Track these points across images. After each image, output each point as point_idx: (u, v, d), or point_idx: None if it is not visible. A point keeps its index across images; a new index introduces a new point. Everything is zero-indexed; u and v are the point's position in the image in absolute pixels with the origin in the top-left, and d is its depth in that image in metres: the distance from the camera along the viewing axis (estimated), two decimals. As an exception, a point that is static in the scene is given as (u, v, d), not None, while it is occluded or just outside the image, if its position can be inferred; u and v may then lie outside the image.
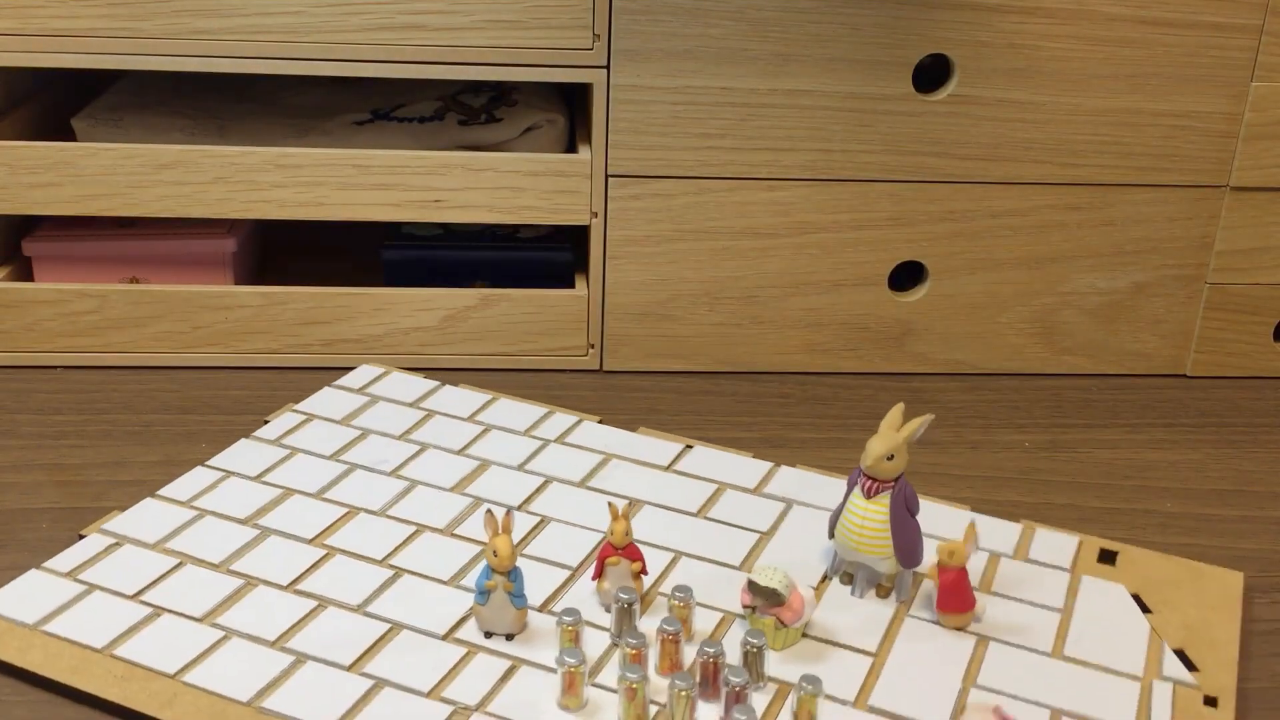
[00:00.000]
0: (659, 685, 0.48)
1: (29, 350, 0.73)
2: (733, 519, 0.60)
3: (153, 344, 0.73)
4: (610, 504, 0.52)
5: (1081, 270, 0.76)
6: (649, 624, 0.52)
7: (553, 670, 0.49)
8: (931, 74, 0.71)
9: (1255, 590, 0.58)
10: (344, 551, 0.56)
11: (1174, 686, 0.50)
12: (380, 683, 0.48)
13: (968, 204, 0.74)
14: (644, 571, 0.52)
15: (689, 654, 0.50)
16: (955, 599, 0.51)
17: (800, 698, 0.46)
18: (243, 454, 0.63)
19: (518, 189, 0.71)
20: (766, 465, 0.64)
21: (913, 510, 0.52)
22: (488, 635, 0.51)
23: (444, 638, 0.51)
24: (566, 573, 0.55)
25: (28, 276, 0.75)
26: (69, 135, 0.75)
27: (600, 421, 0.68)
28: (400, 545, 0.56)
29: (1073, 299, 0.76)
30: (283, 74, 0.69)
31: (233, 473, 0.61)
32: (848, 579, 0.55)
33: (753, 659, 0.48)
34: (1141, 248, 0.76)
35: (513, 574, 0.49)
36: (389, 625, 0.51)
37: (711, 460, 0.65)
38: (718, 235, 0.73)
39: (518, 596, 0.50)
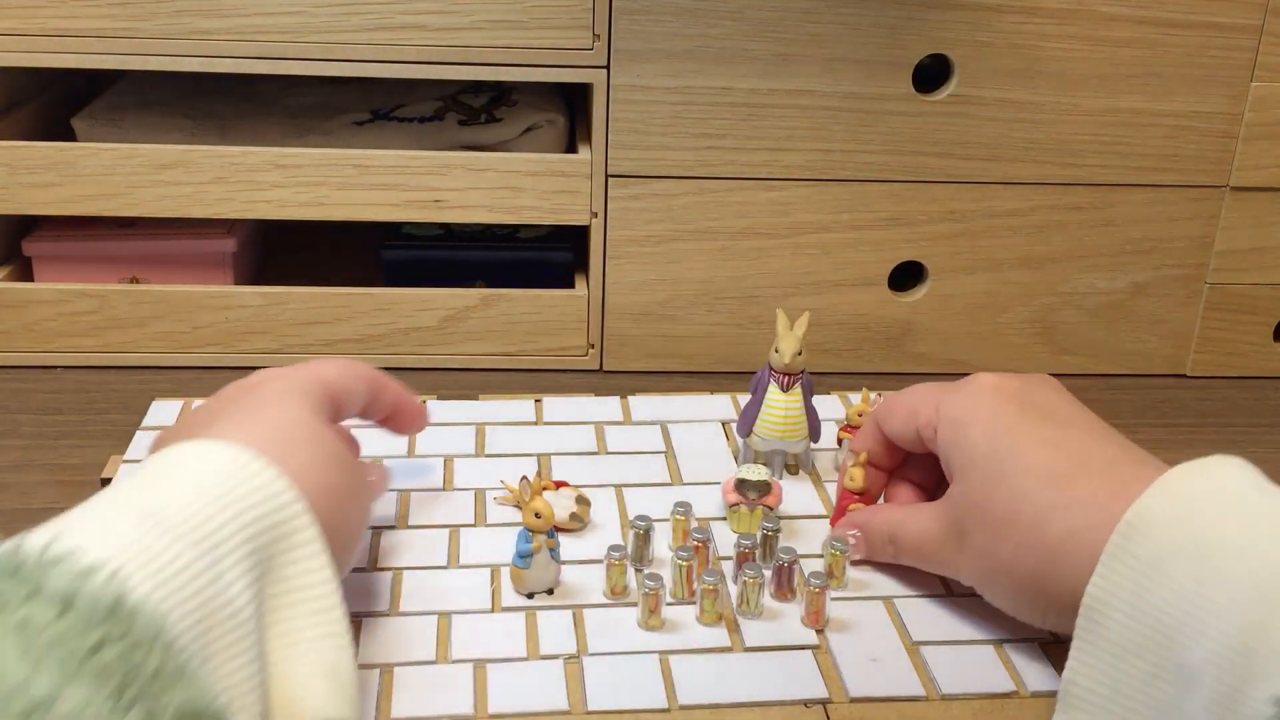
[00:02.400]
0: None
1: (29, 350, 0.73)
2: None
3: (153, 344, 0.73)
4: (524, 478, 0.53)
5: (1081, 270, 0.76)
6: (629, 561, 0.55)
7: (605, 606, 0.52)
8: (931, 74, 0.71)
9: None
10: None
11: None
12: (479, 662, 0.49)
13: (968, 204, 0.74)
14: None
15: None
16: None
17: (832, 554, 0.54)
18: None
19: (518, 189, 0.71)
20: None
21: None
22: (530, 596, 0.53)
23: (493, 611, 0.52)
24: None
25: (28, 276, 0.75)
26: (69, 135, 0.75)
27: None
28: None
29: (1073, 299, 0.76)
30: (283, 74, 0.69)
31: None
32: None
33: (769, 541, 0.56)
34: (1141, 248, 0.76)
35: (550, 531, 0.53)
36: (436, 614, 0.52)
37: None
38: (718, 235, 0.73)
39: (558, 551, 0.53)
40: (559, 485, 0.60)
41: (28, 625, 0.32)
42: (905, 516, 0.54)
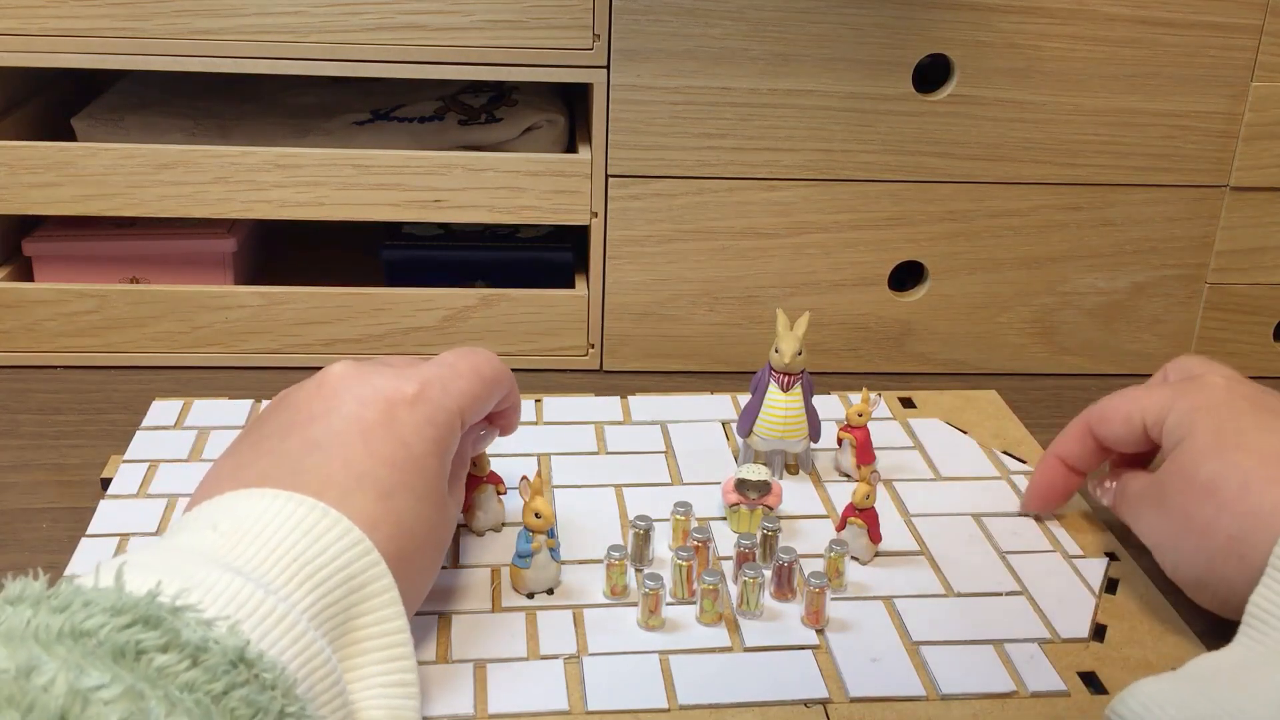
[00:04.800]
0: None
1: (29, 350, 0.73)
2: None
3: (153, 344, 0.73)
4: (524, 478, 0.54)
5: (1081, 270, 0.76)
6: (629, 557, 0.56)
7: (605, 605, 0.52)
8: (931, 74, 0.71)
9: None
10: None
11: (1024, 477, 0.64)
12: (479, 662, 0.49)
13: (968, 204, 0.74)
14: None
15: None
16: (868, 452, 0.63)
17: (830, 558, 0.54)
18: (119, 515, 0.58)
19: (518, 189, 0.71)
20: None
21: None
22: (530, 596, 0.53)
23: (493, 611, 0.52)
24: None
25: (28, 276, 0.75)
26: (69, 135, 0.75)
27: None
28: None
29: (1073, 299, 0.76)
30: (283, 74, 0.69)
31: (127, 534, 0.56)
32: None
33: (769, 541, 0.56)
34: (1141, 248, 0.76)
35: (550, 531, 0.52)
36: (436, 614, 0.52)
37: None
38: (718, 235, 0.73)
39: (558, 551, 0.53)
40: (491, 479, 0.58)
41: (164, 672, 0.34)
42: (1134, 475, 0.56)
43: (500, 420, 0.56)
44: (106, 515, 0.58)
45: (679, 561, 0.53)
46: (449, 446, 0.49)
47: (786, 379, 0.61)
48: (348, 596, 0.42)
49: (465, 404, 0.50)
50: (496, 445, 0.65)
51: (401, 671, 0.43)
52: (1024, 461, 0.66)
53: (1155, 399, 0.54)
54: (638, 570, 0.55)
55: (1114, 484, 0.57)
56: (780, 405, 0.62)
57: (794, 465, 0.64)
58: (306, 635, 0.39)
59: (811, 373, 0.63)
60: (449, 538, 0.50)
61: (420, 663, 0.49)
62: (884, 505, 0.60)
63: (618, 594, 0.53)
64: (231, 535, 0.42)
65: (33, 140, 0.70)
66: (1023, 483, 0.64)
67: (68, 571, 0.53)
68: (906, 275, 0.76)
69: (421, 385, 0.49)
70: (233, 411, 0.67)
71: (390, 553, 0.44)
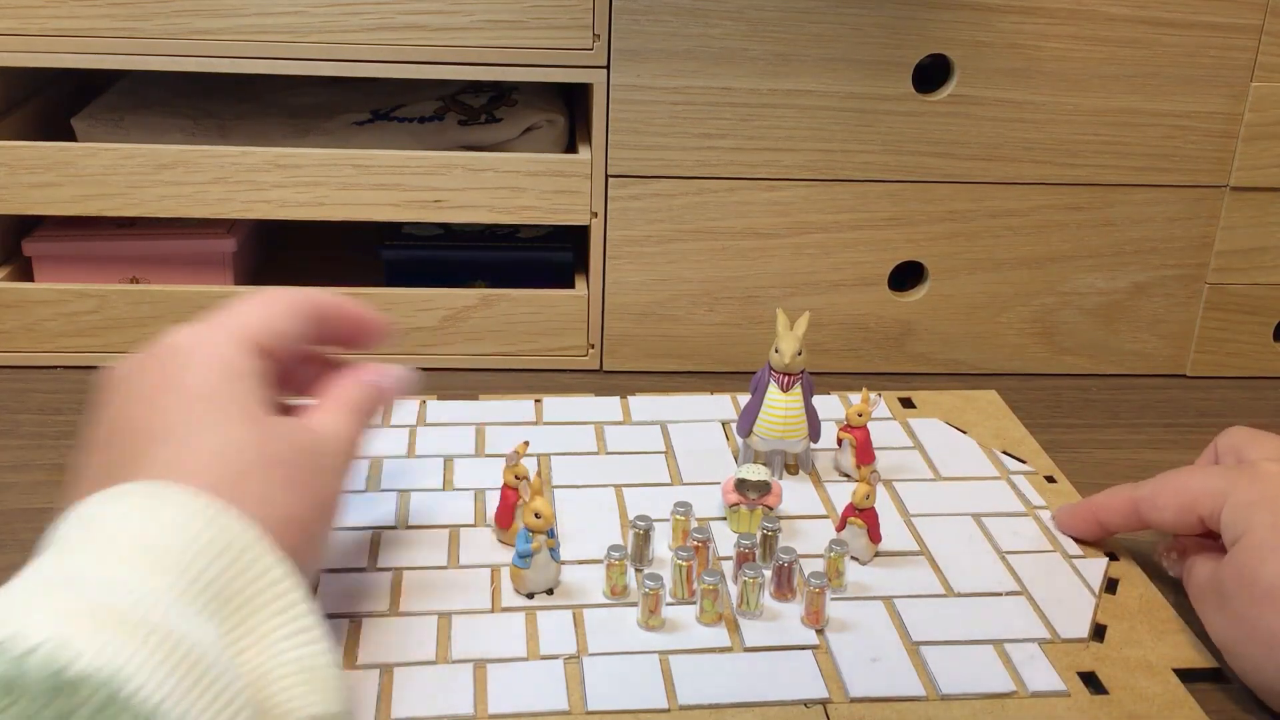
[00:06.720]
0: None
1: (29, 350, 0.73)
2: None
3: (153, 344, 0.73)
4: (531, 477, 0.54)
5: (1081, 270, 0.76)
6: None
7: (605, 605, 0.52)
8: (931, 74, 0.71)
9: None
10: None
11: (1024, 477, 0.64)
12: (479, 662, 0.49)
13: (968, 204, 0.74)
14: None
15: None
16: (868, 452, 0.63)
17: (830, 558, 0.54)
18: None
19: (518, 189, 0.71)
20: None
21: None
22: (530, 596, 0.53)
23: (493, 611, 0.52)
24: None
25: (28, 276, 0.75)
26: (69, 135, 0.75)
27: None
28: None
29: (1073, 299, 0.76)
30: (283, 74, 0.69)
31: None
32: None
33: (769, 541, 0.56)
34: (1141, 248, 0.76)
35: (550, 531, 0.52)
36: (436, 614, 0.52)
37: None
38: (718, 235, 0.73)
39: (558, 551, 0.53)
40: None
41: None
42: (1200, 560, 0.54)
43: (355, 340, 0.53)
44: None
45: (679, 561, 0.53)
46: (228, 361, 0.46)
47: (786, 379, 0.61)
48: (215, 562, 0.39)
49: (247, 326, 0.48)
50: (497, 445, 0.65)
51: (298, 618, 0.39)
52: (1024, 461, 0.66)
53: (1209, 488, 0.52)
54: (638, 570, 0.55)
55: (1180, 557, 0.55)
56: (780, 405, 0.62)
57: (794, 465, 0.64)
58: (159, 630, 0.35)
59: (811, 373, 0.63)
60: (301, 453, 0.45)
61: (420, 663, 0.49)
62: (884, 505, 0.60)
63: (618, 594, 0.53)
64: (70, 549, 0.39)
65: (33, 140, 0.70)
66: (1022, 482, 0.64)
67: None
68: (906, 275, 0.76)
69: (176, 331, 0.48)
70: None
71: (220, 478, 0.41)
